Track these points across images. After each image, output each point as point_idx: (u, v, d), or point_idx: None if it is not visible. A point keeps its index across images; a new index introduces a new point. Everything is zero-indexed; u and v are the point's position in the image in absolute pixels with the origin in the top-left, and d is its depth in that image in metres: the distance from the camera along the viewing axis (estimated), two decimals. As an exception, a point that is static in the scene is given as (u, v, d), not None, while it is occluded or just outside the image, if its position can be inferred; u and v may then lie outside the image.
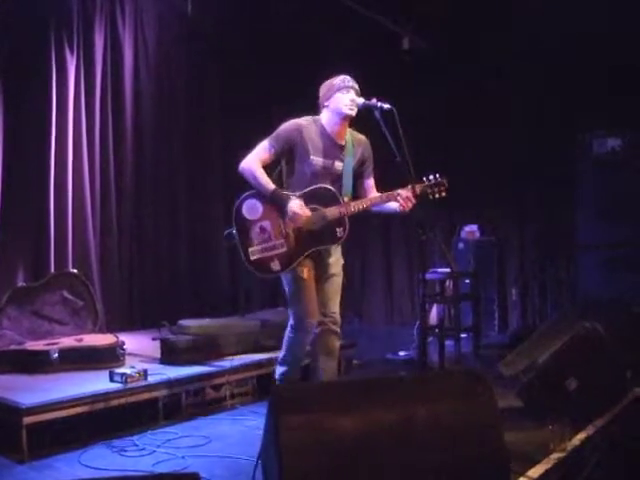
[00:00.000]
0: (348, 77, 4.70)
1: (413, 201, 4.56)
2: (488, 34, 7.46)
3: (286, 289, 4.69)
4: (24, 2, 6.35)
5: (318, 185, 4.65)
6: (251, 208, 4.60)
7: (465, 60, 7.69)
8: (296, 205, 4.53)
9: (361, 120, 4.69)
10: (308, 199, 4.61)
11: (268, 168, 4.66)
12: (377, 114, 4.49)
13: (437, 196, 4.67)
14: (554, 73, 7.32)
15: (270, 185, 4.57)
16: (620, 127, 7.17)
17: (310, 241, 4.62)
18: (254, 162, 4.59)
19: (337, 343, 4.81)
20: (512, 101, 7.67)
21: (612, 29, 6.80)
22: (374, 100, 4.57)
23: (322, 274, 4.73)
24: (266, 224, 4.59)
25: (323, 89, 4.75)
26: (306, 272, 4.60)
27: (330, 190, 4.68)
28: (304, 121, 4.70)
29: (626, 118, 7.01)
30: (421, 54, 7.82)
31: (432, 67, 7.83)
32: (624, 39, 6.84)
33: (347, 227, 4.65)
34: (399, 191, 4.59)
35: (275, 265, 4.56)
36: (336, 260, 4.80)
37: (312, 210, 4.58)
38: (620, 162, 7.11)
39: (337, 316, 4.80)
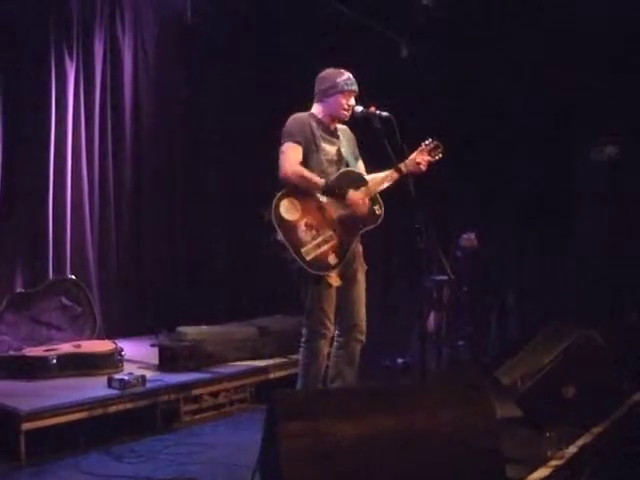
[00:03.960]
0: (351, 77, 4.70)
1: (428, 158, 4.74)
2: (486, 41, 7.46)
3: (311, 295, 4.54)
4: (23, 9, 6.35)
5: (343, 170, 4.68)
6: (289, 208, 4.47)
7: (462, 67, 7.69)
8: (357, 195, 4.54)
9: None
10: (342, 183, 4.61)
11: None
12: (376, 123, 4.51)
13: (437, 157, 4.80)
14: (553, 80, 7.32)
15: (321, 180, 4.52)
16: (618, 135, 7.19)
17: (356, 225, 4.61)
18: (294, 164, 4.50)
19: (359, 352, 4.77)
20: (510, 111, 7.67)
21: (611, 36, 6.81)
22: (372, 108, 4.59)
23: (350, 279, 4.68)
24: (310, 220, 4.49)
25: (324, 82, 4.71)
26: (335, 280, 4.52)
27: (355, 172, 4.73)
28: (306, 115, 4.72)
29: (624, 126, 7.03)
30: (420, 60, 7.82)
31: (430, 73, 7.83)
32: (621, 46, 6.85)
33: (382, 204, 4.69)
34: (416, 157, 4.71)
35: (332, 258, 4.47)
36: (361, 265, 4.78)
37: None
38: (618, 169, 7.13)
39: (364, 325, 4.74)
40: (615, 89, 6.86)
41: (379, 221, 4.71)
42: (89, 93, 6.99)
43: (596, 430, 4.67)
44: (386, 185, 4.71)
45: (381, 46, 7.63)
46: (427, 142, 4.82)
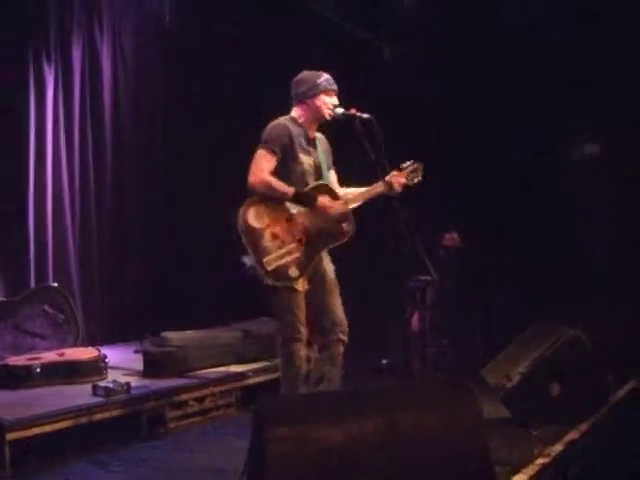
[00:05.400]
0: (330, 77, 4.69)
1: (404, 181, 4.71)
2: (469, 41, 7.48)
3: (279, 302, 4.54)
4: (1, 15, 6.32)
5: (316, 183, 4.65)
6: (256, 216, 4.44)
7: (442, 67, 7.70)
8: (325, 198, 4.52)
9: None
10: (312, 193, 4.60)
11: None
12: (357, 125, 4.50)
13: (416, 180, 4.78)
14: (535, 80, 7.35)
15: (289, 188, 4.48)
16: (598, 133, 7.23)
17: (320, 240, 4.59)
18: (263, 173, 4.46)
19: (342, 352, 4.75)
20: (489, 110, 7.69)
21: (591, 36, 6.86)
22: (353, 110, 4.59)
23: (321, 283, 4.67)
24: (277, 230, 4.46)
25: (304, 84, 4.68)
26: (301, 285, 4.51)
27: (327, 186, 4.70)
28: (286, 121, 4.67)
29: (604, 124, 7.06)
30: (403, 62, 7.84)
31: (412, 74, 7.85)
32: (598, 46, 6.90)
33: (352, 221, 4.66)
34: (391, 178, 4.65)
35: (293, 271, 4.44)
36: (329, 265, 4.76)
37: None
38: (599, 168, 7.17)
39: (345, 323, 4.72)
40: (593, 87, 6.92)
41: (347, 238, 4.66)
42: (68, 99, 6.96)
43: (582, 427, 4.68)
44: (355, 205, 4.69)
45: (363, 48, 7.65)
46: (406, 164, 4.79)
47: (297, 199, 4.51)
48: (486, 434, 3.25)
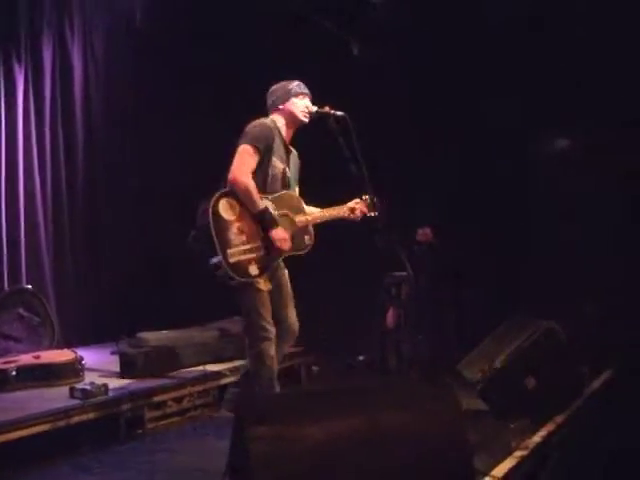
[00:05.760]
0: (302, 83, 4.73)
1: (365, 212, 4.87)
2: (442, 36, 7.51)
3: (244, 301, 4.58)
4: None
5: (285, 191, 4.70)
6: (227, 208, 4.45)
7: (415, 64, 7.73)
8: (282, 233, 4.54)
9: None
10: (278, 204, 4.62)
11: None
12: (331, 122, 4.52)
13: (373, 214, 4.86)
14: (506, 73, 7.38)
15: (260, 203, 4.50)
16: (570, 127, 7.29)
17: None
18: (246, 174, 4.49)
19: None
20: (462, 103, 7.72)
21: (562, 30, 6.92)
22: (327, 108, 4.61)
23: (277, 284, 4.72)
24: (244, 226, 4.48)
25: (276, 92, 4.76)
26: (264, 284, 4.55)
27: (295, 197, 4.77)
28: (270, 123, 4.70)
29: (576, 118, 7.12)
30: (373, 60, 7.85)
31: (383, 73, 7.86)
32: (570, 40, 6.95)
33: (313, 236, 4.75)
34: (354, 205, 4.85)
35: (253, 269, 4.46)
36: (283, 269, 4.82)
37: (282, 215, 4.61)
38: (571, 163, 7.23)
39: (296, 323, 4.83)
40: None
41: (305, 251, 4.76)
42: (39, 99, 6.97)
43: (559, 419, 4.73)
44: (317, 222, 4.82)
45: (332, 45, 7.64)
46: (365, 197, 4.89)
47: (260, 218, 4.51)
48: (466, 429, 3.28)
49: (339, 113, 4.56)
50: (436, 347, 7.03)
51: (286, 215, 4.62)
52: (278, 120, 4.74)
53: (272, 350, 4.59)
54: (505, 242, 7.55)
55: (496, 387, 5.00)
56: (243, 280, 4.46)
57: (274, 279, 4.69)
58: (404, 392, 3.38)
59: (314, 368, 6.60)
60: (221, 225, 4.42)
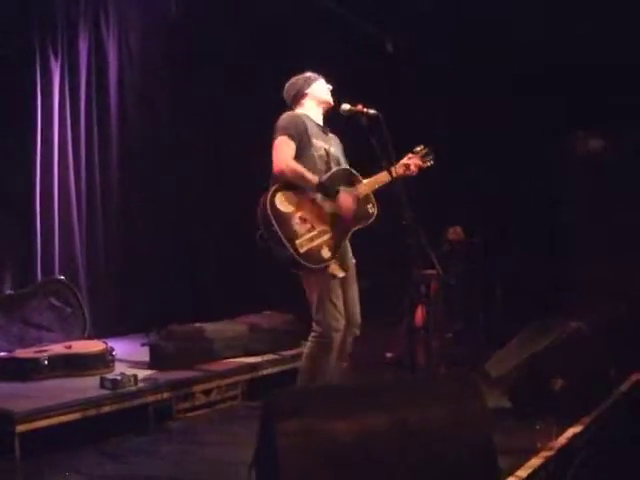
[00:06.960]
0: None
1: (419, 163, 4.86)
2: (471, 35, 7.49)
3: (314, 291, 4.52)
4: (6, 7, 6.34)
5: (337, 168, 4.70)
6: (284, 201, 4.42)
7: (445, 62, 7.71)
8: (347, 197, 4.54)
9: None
10: (332, 182, 4.59)
11: None
12: (363, 121, 4.51)
13: (429, 164, 4.91)
14: (538, 74, 7.36)
15: (315, 177, 4.49)
16: (602, 128, 7.25)
17: (348, 222, 4.60)
18: (289, 160, 4.47)
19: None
20: (494, 103, 7.70)
21: (594, 30, 6.86)
22: (359, 106, 4.60)
23: (346, 275, 4.64)
24: (305, 214, 4.45)
25: (295, 84, 4.80)
26: (339, 270, 4.52)
27: (348, 170, 4.76)
28: (295, 112, 4.75)
29: (608, 118, 7.08)
30: (405, 57, 7.85)
31: (417, 70, 7.86)
32: (604, 40, 6.90)
33: (375, 204, 4.73)
34: (407, 161, 4.84)
35: (325, 252, 4.42)
36: (351, 259, 4.78)
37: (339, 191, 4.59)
38: (603, 163, 7.20)
39: (360, 319, 4.79)
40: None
41: (371, 220, 4.72)
42: (74, 93, 7.00)
43: (585, 421, 4.72)
44: (376, 187, 4.74)
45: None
46: (418, 149, 4.89)
47: (321, 190, 4.52)
48: (492, 428, 3.29)
49: (372, 111, 4.54)
50: (464, 346, 7.02)
51: (337, 193, 4.58)
52: (305, 107, 4.77)
53: (338, 342, 4.55)
54: (536, 242, 7.52)
55: (523, 387, 5.01)
56: (318, 267, 4.43)
57: (345, 265, 4.64)
58: (432, 390, 3.40)
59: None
60: (283, 219, 4.38)
